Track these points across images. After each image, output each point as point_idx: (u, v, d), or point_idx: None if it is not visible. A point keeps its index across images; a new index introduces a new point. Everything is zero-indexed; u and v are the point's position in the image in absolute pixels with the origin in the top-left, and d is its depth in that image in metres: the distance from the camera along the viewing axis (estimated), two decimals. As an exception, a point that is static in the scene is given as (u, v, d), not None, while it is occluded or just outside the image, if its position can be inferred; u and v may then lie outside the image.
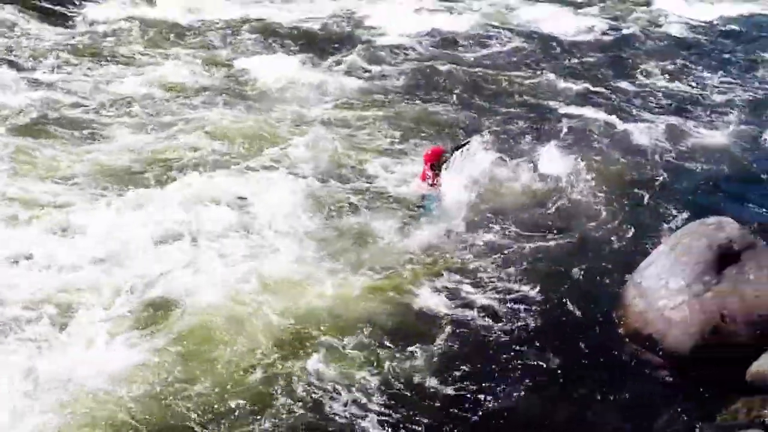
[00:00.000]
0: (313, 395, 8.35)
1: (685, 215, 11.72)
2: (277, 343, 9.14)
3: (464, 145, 12.98)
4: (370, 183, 13.08)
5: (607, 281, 10.34)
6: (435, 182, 12.67)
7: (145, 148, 13.80)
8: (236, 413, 8.12)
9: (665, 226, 11.52)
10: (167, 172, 12.90)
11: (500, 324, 9.55)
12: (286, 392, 8.38)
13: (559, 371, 8.91)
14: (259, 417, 8.06)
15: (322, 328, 9.37)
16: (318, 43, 20.49)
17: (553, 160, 13.51)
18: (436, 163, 12.72)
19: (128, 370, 8.56)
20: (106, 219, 11.32)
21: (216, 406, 8.17)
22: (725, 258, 9.20)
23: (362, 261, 10.76)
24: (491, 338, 9.34)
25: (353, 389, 8.44)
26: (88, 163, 13.09)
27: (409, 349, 9.04)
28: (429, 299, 9.98)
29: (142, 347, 8.93)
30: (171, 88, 16.64)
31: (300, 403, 8.23)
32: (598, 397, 8.62)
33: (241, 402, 8.23)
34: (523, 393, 8.61)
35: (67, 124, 14.54)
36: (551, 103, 16.99)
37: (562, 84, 18.12)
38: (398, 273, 10.52)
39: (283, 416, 8.08)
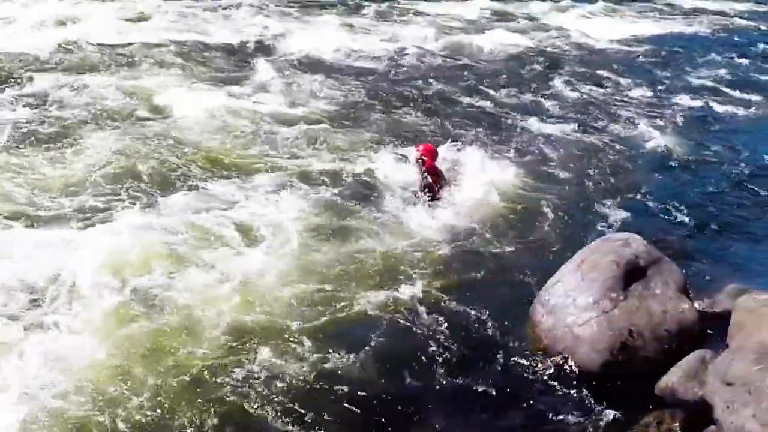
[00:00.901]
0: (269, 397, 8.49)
1: (591, 232, 11.94)
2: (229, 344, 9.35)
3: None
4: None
5: (516, 299, 10.38)
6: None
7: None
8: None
9: (572, 242, 11.57)
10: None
11: (408, 342, 9.50)
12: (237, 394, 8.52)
13: (469, 389, 8.91)
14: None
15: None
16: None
17: (460, 180, 13.85)
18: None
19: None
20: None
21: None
22: (632, 274, 9.43)
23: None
24: (400, 358, 9.25)
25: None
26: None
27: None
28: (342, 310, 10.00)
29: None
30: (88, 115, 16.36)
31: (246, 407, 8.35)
32: (509, 415, 8.64)
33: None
34: (431, 411, 8.58)
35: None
36: (453, 124, 17.32)
37: (466, 104, 18.80)
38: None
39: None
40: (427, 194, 13.10)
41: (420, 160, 13.37)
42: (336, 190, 13.32)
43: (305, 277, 10.62)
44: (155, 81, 18.78)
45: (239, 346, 9.27)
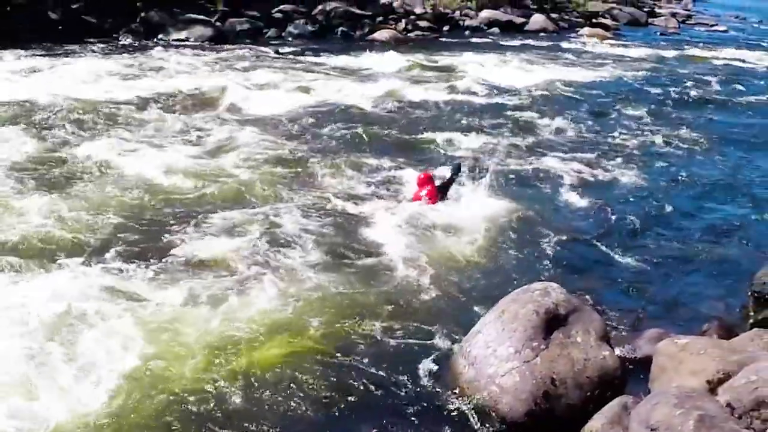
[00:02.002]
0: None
1: (511, 282, 12.04)
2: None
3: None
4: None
5: (437, 351, 10.41)
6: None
7: None
8: None
9: (492, 293, 11.64)
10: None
11: (321, 394, 9.44)
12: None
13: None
14: None
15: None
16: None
17: (380, 232, 14.22)
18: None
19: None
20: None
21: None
22: (552, 323, 9.57)
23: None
24: (305, 417, 9.19)
25: None
26: None
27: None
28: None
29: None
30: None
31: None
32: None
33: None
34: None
35: None
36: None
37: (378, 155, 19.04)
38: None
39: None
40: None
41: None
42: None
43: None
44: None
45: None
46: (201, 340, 10.19)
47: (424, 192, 15.79)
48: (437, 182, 16.18)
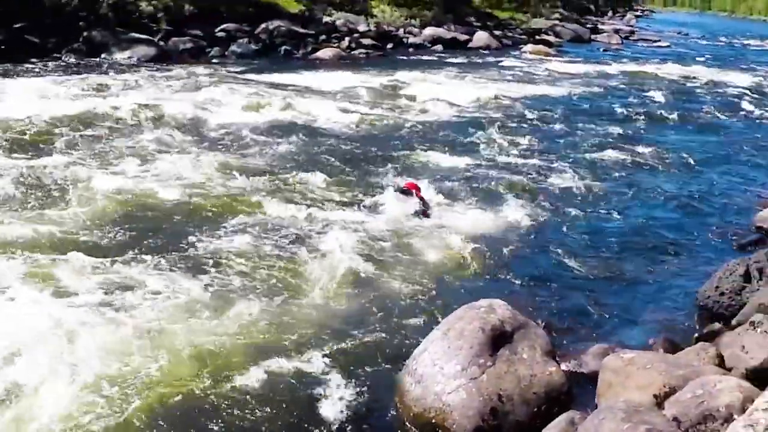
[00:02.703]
0: None
1: (456, 299, 11.92)
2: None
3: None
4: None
5: (382, 370, 10.38)
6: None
7: None
8: None
9: (438, 310, 11.74)
10: None
11: (272, 415, 9.33)
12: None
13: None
14: None
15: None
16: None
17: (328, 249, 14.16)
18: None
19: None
20: None
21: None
22: (498, 339, 9.58)
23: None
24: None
25: None
26: None
27: None
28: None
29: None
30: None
31: None
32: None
33: None
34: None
35: None
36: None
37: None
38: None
39: None
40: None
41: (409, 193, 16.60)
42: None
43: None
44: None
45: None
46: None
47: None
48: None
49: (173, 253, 13.54)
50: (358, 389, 9.91)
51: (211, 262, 13.22)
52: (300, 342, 10.91)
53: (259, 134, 22.76)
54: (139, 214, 15.47)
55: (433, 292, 12.83)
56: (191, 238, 14.21)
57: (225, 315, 11.39)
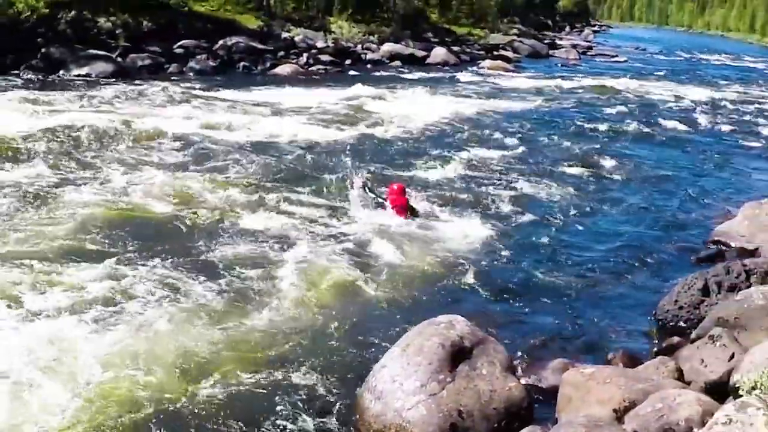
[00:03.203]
0: None
1: (415, 315, 11.87)
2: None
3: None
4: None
5: (343, 387, 10.33)
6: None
7: None
8: None
9: (397, 326, 11.76)
10: None
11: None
12: None
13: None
14: None
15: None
16: None
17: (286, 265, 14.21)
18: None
19: None
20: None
21: None
22: (457, 355, 9.63)
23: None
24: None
25: None
26: None
27: None
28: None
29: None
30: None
31: None
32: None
33: None
34: None
35: None
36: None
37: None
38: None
39: None
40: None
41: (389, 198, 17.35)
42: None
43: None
44: None
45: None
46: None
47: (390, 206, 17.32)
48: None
49: (124, 264, 13.55)
50: (317, 406, 9.90)
51: (157, 276, 13.22)
52: (259, 358, 10.90)
53: (217, 150, 22.72)
54: (92, 227, 15.38)
55: (395, 307, 12.91)
56: (141, 253, 14.20)
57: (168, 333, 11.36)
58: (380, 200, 17.44)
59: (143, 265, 13.65)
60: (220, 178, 19.81)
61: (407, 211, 17.27)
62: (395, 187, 17.68)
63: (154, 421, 9.26)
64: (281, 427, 9.46)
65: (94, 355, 10.35)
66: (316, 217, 17.23)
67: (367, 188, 17.91)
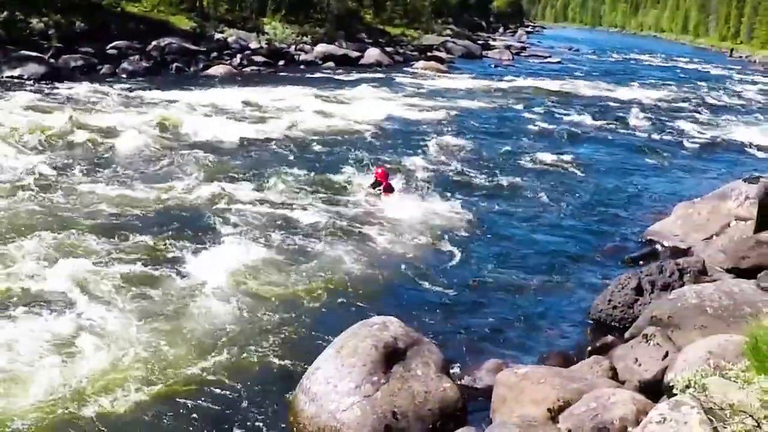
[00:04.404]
0: None
1: (350, 316, 11.95)
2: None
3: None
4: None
5: (277, 389, 10.31)
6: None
7: None
8: None
9: (331, 328, 11.56)
10: None
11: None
12: None
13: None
14: None
15: None
16: None
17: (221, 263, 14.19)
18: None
19: None
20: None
21: None
22: (392, 356, 9.67)
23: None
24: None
25: None
26: None
27: None
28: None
29: None
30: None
31: None
32: None
33: None
34: None
35: None
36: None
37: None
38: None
39: None
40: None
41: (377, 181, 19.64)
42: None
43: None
44: None
45: None
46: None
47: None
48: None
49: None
50: (250, 408, 9.87)
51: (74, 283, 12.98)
52: (189, 362, 10.81)
53: (151, 150, 22.69)
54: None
55: (330, 307, 12.94)
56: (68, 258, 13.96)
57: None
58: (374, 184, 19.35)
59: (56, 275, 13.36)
60: (152, 178, 19.77)
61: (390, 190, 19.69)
62: (379, 170, 20.02)
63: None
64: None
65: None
66: (250, 213, 17.33)
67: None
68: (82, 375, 10.16)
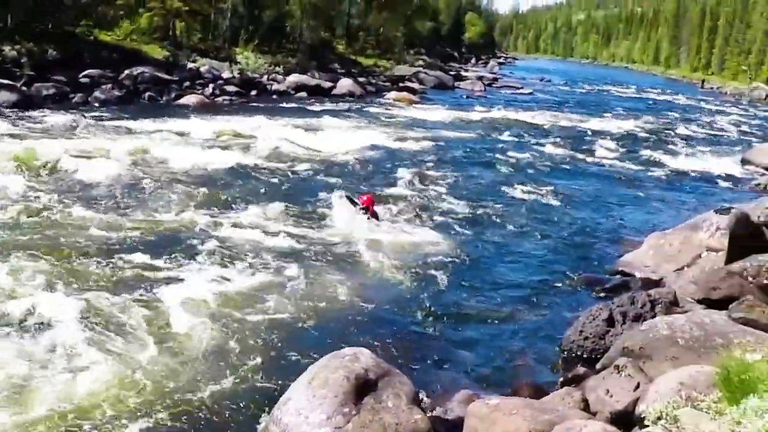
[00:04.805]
0: None
1: (321, 347, 11.90)
2: None
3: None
4: None
5: (247, 419, 10.25)
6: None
7: None
8: None
9: (303, 359, 11.65)
10: None
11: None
12: None
13: None
14: None
15: None
16: None
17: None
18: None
19: None
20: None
21: None
22: (363, 388, 9.66)
23: None
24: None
25: None
26: None
27: None
28: None
29: None
30: None
31: None
32: None
33: None
34: None
35: None
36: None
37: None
38: None
39: None
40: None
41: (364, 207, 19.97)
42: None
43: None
44: None
45: None
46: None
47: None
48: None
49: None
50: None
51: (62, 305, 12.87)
52: (161, 388, 10.77)
53: (120, 181, 22.49)
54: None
55: (302, 337, 12.91)
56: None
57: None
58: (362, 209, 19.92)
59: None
60: (124, 207, 19.82)
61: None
62: (365, 198, 20.48)
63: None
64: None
65: None
66: (224, 242, 17.34)
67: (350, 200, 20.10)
68: (47, 401, 10.11)
